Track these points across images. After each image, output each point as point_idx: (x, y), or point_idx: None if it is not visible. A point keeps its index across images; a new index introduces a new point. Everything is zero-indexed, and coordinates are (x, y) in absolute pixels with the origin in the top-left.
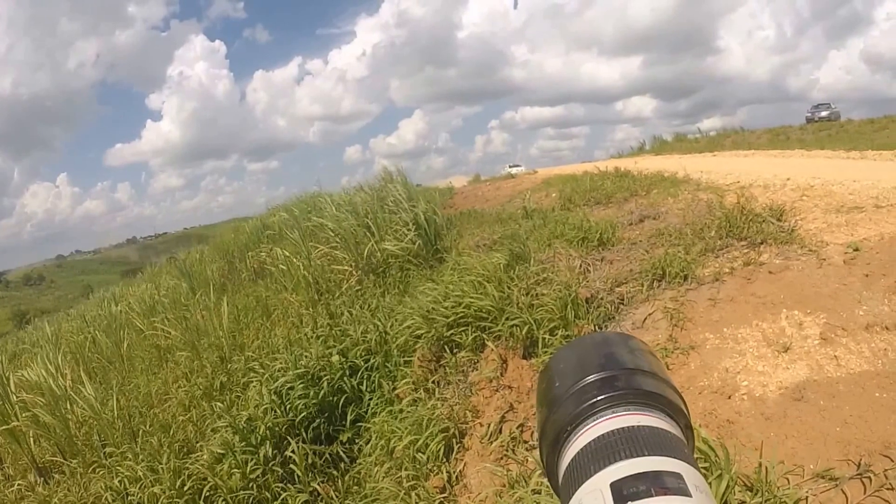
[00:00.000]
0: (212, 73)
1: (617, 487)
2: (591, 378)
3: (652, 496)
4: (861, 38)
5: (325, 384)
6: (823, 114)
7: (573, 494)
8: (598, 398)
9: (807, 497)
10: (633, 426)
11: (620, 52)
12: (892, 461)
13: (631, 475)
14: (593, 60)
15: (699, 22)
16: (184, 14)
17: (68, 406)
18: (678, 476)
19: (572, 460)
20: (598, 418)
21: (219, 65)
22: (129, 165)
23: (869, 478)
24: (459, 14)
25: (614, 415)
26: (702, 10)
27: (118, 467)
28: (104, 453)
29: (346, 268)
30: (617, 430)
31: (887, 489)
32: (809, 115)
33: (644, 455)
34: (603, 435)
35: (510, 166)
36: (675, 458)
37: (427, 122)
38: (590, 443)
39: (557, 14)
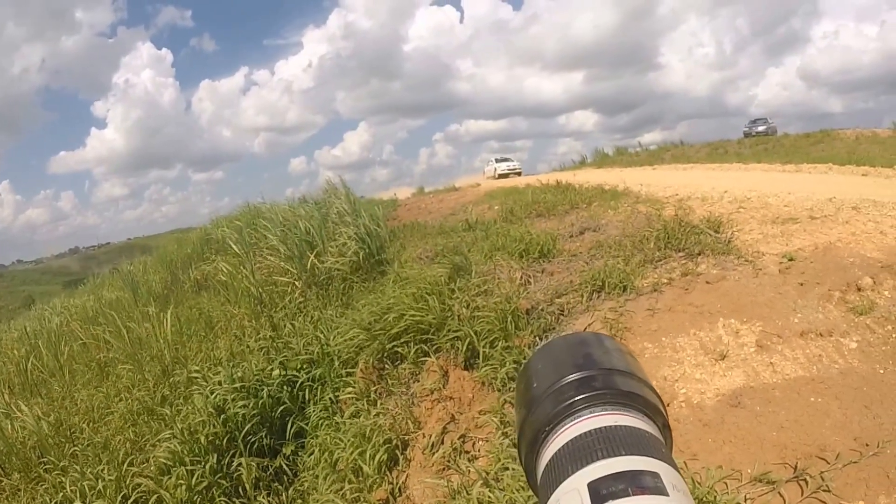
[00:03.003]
0: (158, 82)
1: (594, 487)
2: (568, 378)
3: (629, 496)
4: (798, 56)
5: (265, 394)
6: (761, 128)
7: (551, 494)
8: (576, 398)
9: (745, 501)
10: (610, 426)
11: (563, 68)
12: (828, 463)
13: (608, 475)
14: (537, 75)
15: (641, 39)
16: (131, 21)
17: (8, 422)
18: (655, 475)
19: (550, 460)
20: (575, 418)
21: (165, 73)
22: (72, 174)
23: (805, 480)
24: (406, 27)
25: (592, 415)
26: (643, 28)
27: (62, 479)
28: (44, 469)
29: (289, 280)
30: (594, 430)
31: (824, 491)
32: (747, 129)
33: (621, 455)
34: (581, 435)
35: (497, 160)
36: (652, 457)
37: (372, 135)
38: (567, 443)
39: (502, 29)
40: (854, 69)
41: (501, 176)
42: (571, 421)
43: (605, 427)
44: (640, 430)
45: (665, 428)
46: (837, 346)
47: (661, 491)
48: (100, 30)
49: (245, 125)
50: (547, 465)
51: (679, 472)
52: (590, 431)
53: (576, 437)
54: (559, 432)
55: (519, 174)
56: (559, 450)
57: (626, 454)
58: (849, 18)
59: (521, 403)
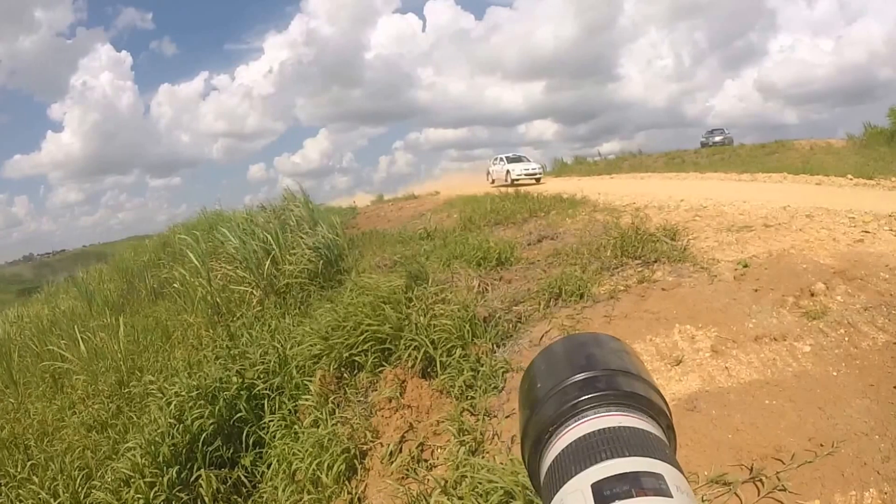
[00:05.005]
0: (116, 85)
1: (598, 488)
2: (572, 379)
3: (633, 497)
4: (755, 69)
5: (222, 401)
6: (717, 139)
7: (555, 495)
8: (580, 399)
9: (702, 502)
10: (614, 427)
11: (524, 77)
12: (784, 463)
13: (612, 476)
14: (497, 84)
15: (601, 50)
16: (91, 22)
17: None
18: (659, 477)
19: (554, 461)
20: (579, 419)
21: (124, 76)
22: (27, 178)
23: (762, 480)
24: (368, 35)
25: (596, 416)
26: (603, 39)
27: (20, 492)
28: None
29: (246, 288)
30: (598, 430)
31: (780, 490)
32: (704, 139)
33: (625, 456)
34: (584, 436)
35: (509, 159)
36: (656, 458)
37: (332, 142)
38: (571, 443)
39: (464, 38)
40: (809, 82)
41: (516, 182)
42: (575, 421)
43: (608, 428)
44: (643, 432)
45: (669, 429)
46: (791, 349)
47: (665, 492)
48: (59, 30)
49: (204, 130)
50: (550, 465)
51: (683, 473)
52: (594, 432)
53: (579, 438)
54: (563, 433)
55: (538, 180)
56: (563, 450)
57: (629, 455)
58: (805, 33)
59: (525, 404)
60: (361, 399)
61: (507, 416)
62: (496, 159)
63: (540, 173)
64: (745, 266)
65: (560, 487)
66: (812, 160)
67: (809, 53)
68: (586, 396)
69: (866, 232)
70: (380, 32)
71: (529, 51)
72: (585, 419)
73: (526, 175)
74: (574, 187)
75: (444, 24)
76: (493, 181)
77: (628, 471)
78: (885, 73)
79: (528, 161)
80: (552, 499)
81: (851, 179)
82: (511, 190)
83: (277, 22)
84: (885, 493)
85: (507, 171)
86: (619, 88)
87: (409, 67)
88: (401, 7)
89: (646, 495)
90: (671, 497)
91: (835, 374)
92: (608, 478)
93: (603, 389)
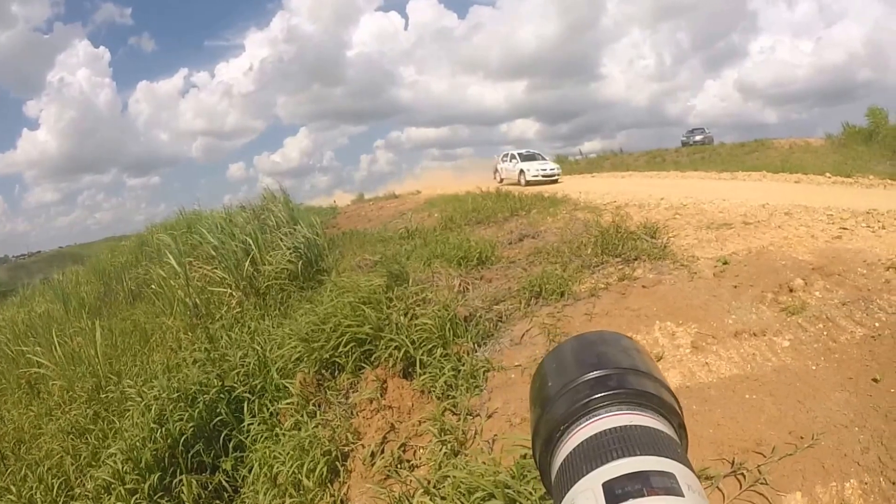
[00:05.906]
0: (94, 81)
1: (609, 487)
2: (584, 377)
3: (644, 496)
4: (736, 69)
5: (202, 404)
6: (698, 138)
7: (566, 494)
8: (592, 398)
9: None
10: (625, 426)
11: (506, 76)
12: (765, 457)
13: (623, 475)
14: (479, 83)
15: (583, 50)
16: (69, 16)
17: None
18: (671, 476)
19: (565, 460)
20: (591, 418)
21: (102, 73)
22: (1, 177)
23: (743, 474)
24: (350, 33)
25: (607, 414)
26: (586, 39)
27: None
28: None
29: (226, 289)
30: (610, 429)
31: (761, 483)
32: (685, 138)
33: (637, 455)
34: (596, 434)
35: (522, 157)
36: (667, 457)
37: (312, 141)
38: (582, 442)
39: (446, 37)
40: (789, 82)
41: (530, 183)
42: (586, 420)
43: (620, 427)
44: (655, 431)
45: (681, 428)
46: (771, 344)
47: (676, 492)
48: (35, 24)
49: (183, 129)
50: (562, 464)
51: (694, 472)
52: (605, 431)
53: (591, 437)
54: (574, 432)
55: (556, 181)
56: (574, 449)
57: (641, 454)
58: (786, 34)
59: (536, 402)
60: (342, 400)
61: (488, 416)
62: (506, 156)
63: (558, 173)
64: (725, 263)
65: (571, 486)
66: (791, 159)
67: (789, 54)
68: (597, 395)
69: (844, 229)
70: (362, 30)
71: (512, 50)
72: (596, 418)
73: (543, 175)
74: (555, 186)
75: (427, 22)
76: (501, 180)
77: (639, 470)
78: (863, 74)
79: (544, 159)
80: (563, 497)
81: (830, 178)
82: (493, 188)
83: (258, 19)
84: (866, 483)
85: (521, 171)
86: (600, 88)
87: (391, 66)
88: (383, 5)
89: (657, 494)
90: (682, 496)
91: (814, 367)
92: (619, 477)
93: (614, 388)
